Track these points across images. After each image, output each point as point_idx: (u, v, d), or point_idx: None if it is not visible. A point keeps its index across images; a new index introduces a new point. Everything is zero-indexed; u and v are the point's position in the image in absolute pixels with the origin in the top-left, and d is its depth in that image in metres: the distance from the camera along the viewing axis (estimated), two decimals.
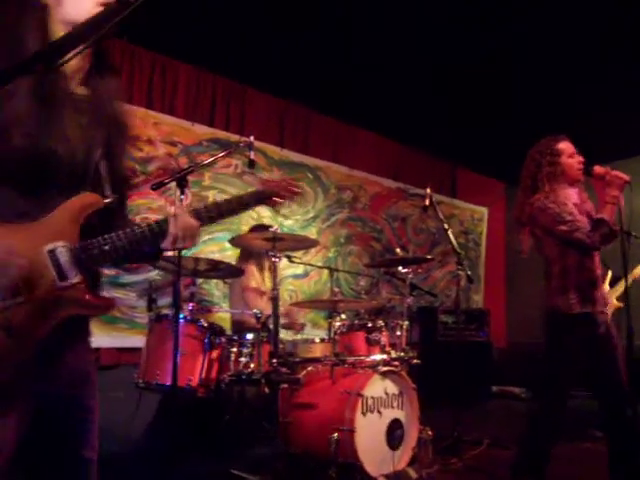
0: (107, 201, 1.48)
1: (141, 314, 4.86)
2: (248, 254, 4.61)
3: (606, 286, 3.51)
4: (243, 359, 3.62)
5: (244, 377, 3.58)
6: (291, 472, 3.45)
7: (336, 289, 4.90)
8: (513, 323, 8.84)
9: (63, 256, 1.35)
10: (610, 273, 3.58)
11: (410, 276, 4.44)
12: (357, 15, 4.87)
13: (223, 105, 5.95)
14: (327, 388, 3.60)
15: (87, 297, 1.39)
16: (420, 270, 7.58)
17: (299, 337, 4.56)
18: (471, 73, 5.68)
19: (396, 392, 3.57)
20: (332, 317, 4.05)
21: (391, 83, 5.95)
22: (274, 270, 3.49)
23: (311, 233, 6.42)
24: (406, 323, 4.18)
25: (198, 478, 3.47)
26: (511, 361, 7.94)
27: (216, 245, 5.57)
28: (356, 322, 4.13)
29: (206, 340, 3.60)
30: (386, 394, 3.51)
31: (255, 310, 3.80)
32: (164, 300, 4.76)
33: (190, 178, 3.08)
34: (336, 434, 3.22)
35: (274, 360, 3.33)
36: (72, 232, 1.38)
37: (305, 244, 4.22)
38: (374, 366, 3.65)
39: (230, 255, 5.19)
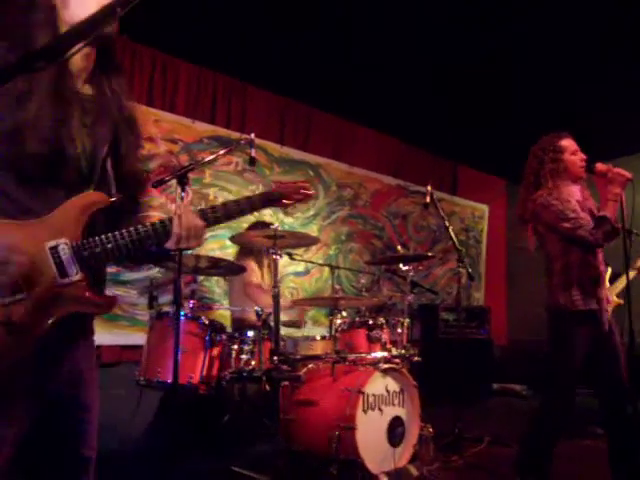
0: (113, 200, 1.48)
1: (142, 311, 4.86)
2: (248, 251, 4.61)
3: (606, 283, 3.50)
4: (244, 356, 3.62)
5: (245, 374, 3.58)
6: (292, 469, 3.45)
7: (337, 286, 4.90)
8: (514, 320, 8.83)
9: (64, 253, 1.35)
10: (610, 270, 3.57)
11: (411, 273, 4.43)
12: (357, 15, 4.86)
13: (224, 102, 5.94)
14: (328, 385, 3.60)
15: (88, 295, 1.39)
16: (421, 267, 7.58)
17: (300, 334, 4.55)
18: (471, 72, 5.68)
19: (397, 389, 3.57)
20: (333, 314, 4.05)
21: (391, 81, 5.94)
22: (275, 267, 3.49)
23: (312, 230, 6.42)
24: (407, 320, 4.18)
25: (199, 475, 3.47)
26: (512, 358, 7.95)
27: (217, 242, 5.57)
28: (357, 319, 4.13)
29: (207, 337, 3.60)
30: (387, 391, 3.51)
31: (257, 307, 3.80)
32: (165, 297, 4.76)
33: (191, 175, 3.08)
34: (337, 431, 3.22)
35: (275, 357, 3.33)
36: (75, 230, 1.38)
37: (306, 241, 4.21)
38: (375, 363, 3.64)
39: (231, 253, 5.19)
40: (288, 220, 6.29)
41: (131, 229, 1.45)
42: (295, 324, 4.84)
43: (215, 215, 1.59)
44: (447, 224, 4.53)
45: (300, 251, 5.07)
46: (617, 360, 3.09)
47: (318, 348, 3.86)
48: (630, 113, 6.29)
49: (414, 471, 3.49)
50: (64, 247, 1.36)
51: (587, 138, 3.44)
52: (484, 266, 9.09)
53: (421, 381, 3.70)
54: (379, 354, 3.84)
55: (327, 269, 6.10)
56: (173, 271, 3.82)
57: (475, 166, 8.68)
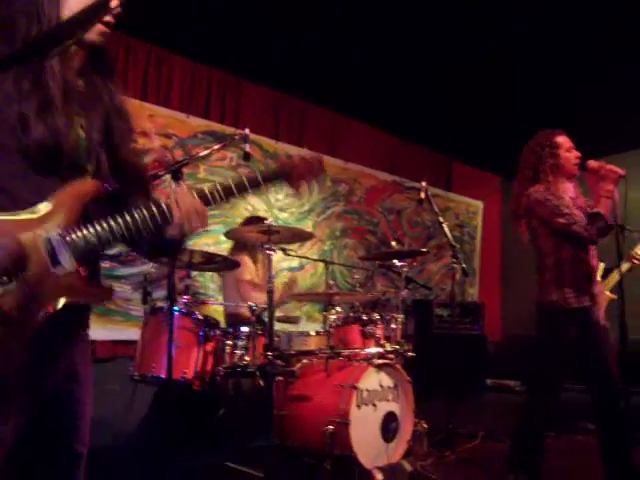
0: (107, 188, 1.46)
1: (136, 307, 4.86)
2: (242, 246, 4.60)
3: (599, 278, 3.51)
4: (238, 352, 3.62)
5: (239, 370, 3.59)
6: (286, 465, 3.46)
7: (331, 282, 4.90)
8: (508, 316, 8.86)
9: (57, 242, 1.34)
10: (602, 265, 3.58)
11: (405, 269, 4.43)
12: (354, 12, 4.86)
13: (218, 97, 5.93)
14: (322, 381, 3.60)
15: (82, 284, 1.38)
16: (415, 263, 7.60)
17: (294, 330, 4.55)
18: (469, 70, 5.70)
19: (391, 385, 3.58)
20: (327, 310, 4.05)
21: (387, 77, 5.94)
22: (269, 263, 3.48)
23: (307, 226, 6.42)
24: (401, 316, 4.19)
25: (193, 471, 3.47)
26: (506, 354, 7.98)
27: (211, 238, 5.57)
28: (351, 315, 4.13)
29: (201, 333, 3.59)
30: (381, 387, 3.51)
31: (250, 302, 3.80)
32: (159, 293, 4.75)
33: (185, 170, 3.07)
34: (331, 427, 3.22)
35: (269, 353, 3.33)
36: (68, 218, 1.37)
37: (300, 237, 4.21)
38: (369, 359, 3.65)
39: (225, 248, 5.18)
40: (283, 215, 6.30)
41: (125, 215, 1.43)
42: (290, 320, 4.84)
43: (214, 195, 1.54)
44: (441, 220, 4.54)
45: (294, 246, 5.06)
46: (609, 356, 3.10)
47: (312, 343, 3.86)
48: (625, 113, 6.30)
49: (408, 466, 3.50)
50: (56, 236, 1.34)
51: (581, 136, 3.45)
52: (478, 262, 9.11)
53: (415, 376, 3.71)
54: (373, 350, 3.84)
55: (321, 264, 6.10)
56: (167, 266, 3.82)
57: (470, 162, 8.69)
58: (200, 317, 3.65)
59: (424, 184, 4.50)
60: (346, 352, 3.79)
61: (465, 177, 8.82)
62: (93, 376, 1.54)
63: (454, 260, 4.61)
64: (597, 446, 3.11)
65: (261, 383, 3.43)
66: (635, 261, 3.58)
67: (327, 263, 5.16)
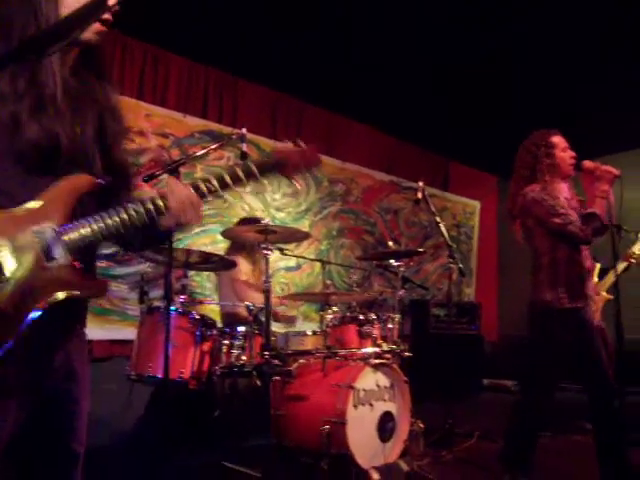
0: (100, 182, 1.45)
1: (133, 306, 4.85)
2: (239, 247, 4.60)
3: (595, 279, 3.52)
4: (235, 351, 3.62)
5: (236, 369, 3.58)
6: (283, 464, 3.46)
7: (328, 282, 4.90)
8: (505, 316, 8.88)
9: (50, 236, 1.33)
10: (598, 266, 3.59)
11: (402, 269, 4.44)
12: (354, 12, 4.86)
13: (215, 97, 5.93)
14: (319, 380, 3.60)
15: (76, 278, 1.37)
16: (412, 263, 7.60)
17: (291, 330, 4.55)
18: (466, 70, 5.71)
19: (388, 385, 3.58)
20: (324, 310, 4.06)
21: (385, 77, 5.95)
22: (265, 263, 3.48)
23: (303, 226, 6.42)
24: (398, 316, 4.18)
25: (190, 470, 3.47)
26: (502, 354, 7.99)
27: (208, 237, 5.57)
28: (348, 315, 4.13)
29: (198, 332, 3.59)
30: (378, 387, 3.52)
31: (247, 302, 3.80)
32: (156, 292, 4.75)
33: (182, 170, 3.07)
34: (328, 426, 3.23)
35: (266, 352, 3.33)
36: (61, 213, 1.36)
37: (297, 237, 4.20)
38: (366, 359, 3.65)
39: (222, 247, 5.18)
40: (279, 215, 6.30)
41: (119, 208, 1.42)
42: (287, 320, 4.83)
43: (209, 186, 1.53)
44: (438, 220, 4.54)
45: (291, 246, 5.06)
46: (603, 356, 3.11)
47: (309, 343, 3.86)
48: (628, 113, 6.31)
49: (404, 466, 3.50)
50: (49, 230, 1.33)
51: (577, 136, 3.45)
52: (475, 262, 9.12)
53: (412, 376, 3.71)
54: (370, 349, 3.84)
55: (318, 264, 6.10)
56: (164, 266, 3.81)
57: (467, 162, 8.70)
58: (197, 317, 3.64)
59: (421, 184, 4.49)
60: (343, 352, 3.80)
61: (462, 177, 8.83)
62: (90, 375, 1.54)
63: (451, 260, 4.61)
64: (593, 446, 3.12)
65: (258, 383, 3.43)
66: (632, 260, 3.59)
67: (324, 263, 5.15)
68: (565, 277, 3.15)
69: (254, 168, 1.59)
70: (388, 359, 3.73)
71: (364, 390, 3.42)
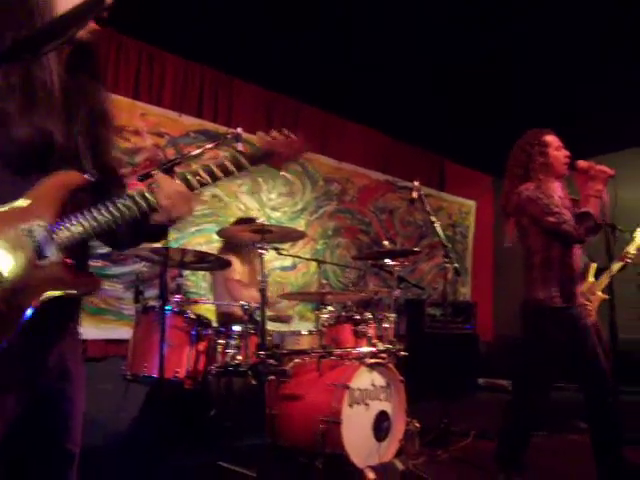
0: (89, 178, 1.43)
1: (128, 306, 4.84)
2: (231, 246, 4.59)
3: (591, 278, 3.53)
4: (230, 351, 3.62)
5: (231, 369, 3.58)
6: (278, 464, 3.46)
7: (324, 281, 4.90)
8: (500, 316, 8.88)
9: (40, 234, 1.32)
10: (595, 265, 3.60)
11: (397, 269, 4.44)
12: (350, 12, 4.86)
13: (211, 96, 5.92)
14: (314, 380, 3.60)
15: (68, 275, 1.36)
16: (407, 263, 7.60)
17: (287, 329, 4.55)
18: (465, 70, 5.72)
19: (383, 384, 3.58)
20: (319, 309, 4.06)
21: (381, 77, 5.95)
22: (261, 262, 3.48)
23: (299, 225, 6.42)
24: (393, 315, 4.19)
25: (185, 470, 3.47)
26: (498, 353, 8.00)
27: (203, 237, 5.57)
28: (343, 314, 4.13)
29: (193, 332, 3.58)
30: (373, 386, 3.52)
31: (242, 302, 3.80)
32: (151, 292, 4.74)
33: (177, 169, 3.06)
34: (323, 426, 3.23)
35: (261, 352, 3.33)
36: (51, 210, 1.35)
37: (293, 236, 4.20)
38: (361, 358, 3.65)
39: (217, 247, 5.18)
40: (275, 214, 6.30)
41: (109, 204, 1.41)
42: (282, 319, 4.83)
43: (198, 178, 1.52)
44: (434, 220, 4.54)
45: (287, 246, 5.06)
46: (598, 355, 3.11)
47: (304, 343, 3.86)
48: (629, 113, 6.32)
49: (400, 465, 3.51)
50: (40, 228, 1.32)
51: (571, 136, 3.46)
52: (471, 262, 9.13)
53: (407, 376, 3.71)
54: (365, 349, 3.84)
55: (314, 264, 6.10)
56: (159, 265, 3.81)
57: (463, 162, 8.71)
58: (192, 316, 3.64)
59: (417, 184, 4.50)
60: (338, 351, 3.80)
61: (458, 177, 8.84)
62: (85, 374, 1.53)
63: (446, 260, 4.62)
64: (589, 445, 3.13)
65: (253, 382, 3.42)
66: (628, 260, 3.60)
67: (319, 262, 5.15)
68: (558, 276, 3.16)
69: (242, 159, 1.59)
70: (383, 358, 3.73)
71: (359, 389, 3.42)
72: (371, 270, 6.93)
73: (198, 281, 5.52)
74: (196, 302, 4.84)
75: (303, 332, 3.96)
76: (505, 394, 7.03)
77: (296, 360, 3.71)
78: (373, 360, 3.60)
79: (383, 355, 3.82)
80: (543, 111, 5.99)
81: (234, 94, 6.09)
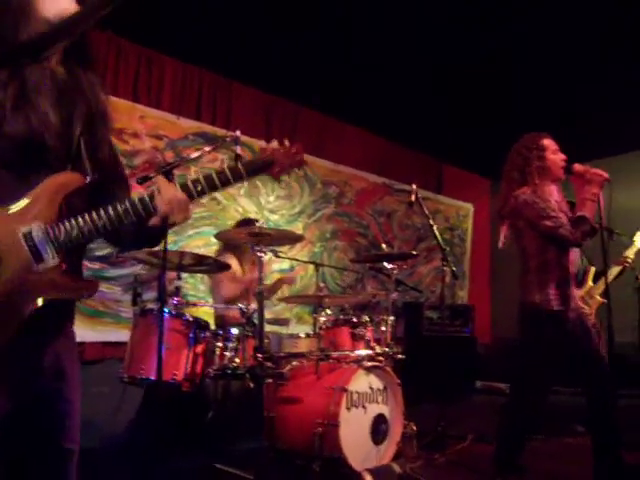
0: (87, 180, 1.43)
1: (126, 308, 4.84)
2: (231, 247, 4.59)
3: (590, 282, 3.54)
4: (228, 353, 3.62)
5: (229, 371, 3.58)
6: (275, 466, 3.46)
7: (321, 284, 4.89)
8: (498, 319, 8.89)
9: (38, 238, 1.32)
10: (593, 269, 3.61)
11: (395, 272, 4.44)
12: (350, 15, 4.86)
13: (209, 99, 5.93)
14: (312, 383, 3.60)
15: (65, 280, 1.37)
16: (405, 266, 7.60)
17: (284, 332, 4.56)
18: (463, 72, 5.71)
19: (381, 387, 3.59)
20: (317, 312, 4.06)
21: (379, 80, 5.95)
22: (259, 265, 3.48)
23: (297, 228, 6.43)
24: (391, 318, 4.19)
25: (182, 473, 3.46)
26: (496, 356, 7.99)
27: (201, 240, 5.56)
28: (341, 317, 4.14)
29: (191, 334, 3.58)
30: (371, 389, 3.52)
31: (240, 305, 3.80)
32: (149, 294, 4.74)
33: (176, 172, 3.07)
34: (320, 429, 3.23)
35: (259, 355, 3.33)
36: (49, 212, 1.35)
37: (291, 239, 4.21)
38: (359, 361, 3.66)
39: (216, 249, 5.18)
40: (273, 217, 6.30)
41: (108, 207, 1.41)
42: (279, 322, 4.83)
43: (197, 187, 1.53)
44: (432, 223, 4.55)
45: (285, 248, 5.06)
46: (594, 357, 3.12)
47: (302, 346, 3.87)
48: (629, 113, 6.33)
49: (397, 469, 3.51)
50: (38, 231, 1.32)
51: (570, 139, 3.48)
52: (468, 265, 9.14)
53: (405, 379, 3.72)
54: (363, 352, 3.85)
55: (312, 267, 6.10)
56: (157, 268, 3.81)
57: (461, 165, 8.72)
58: (190, 319, 3.64)
59: (414, 187, 4.51)
60: (336, 354, 3.80)
61: (455, 180, 8.85)
62: (80, 374, 1.53)
63: (444, 263, 4.63)
64: (586, 448, 3.14)
65: (251, 385, 3.43)
66: (627, 265, 3.62)
67: (317, 265, 5.16)
68: (554, 279, 3.17)
69: (242, 169, 1.60)
70: (381, 362, 3.74)
71: (357, 392, 3.42)
72: (369, 273, 6.93)
73: (196, 284, 5.52)
74: (194, 305, 4.85)
75: (301, 335, 3.96)
76: (502, 397, 7.04)
77: (294, 363, 3.71)
78: (371, 363, 3.60)
79: (381, 358, 3.82)
80: (542, 112, 6.01)
81: (233, 97, 6.10)
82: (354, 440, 3.31)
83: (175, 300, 3.69)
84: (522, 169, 3.33)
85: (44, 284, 1.33)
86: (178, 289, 3.80)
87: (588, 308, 3.32)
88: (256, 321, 3.51)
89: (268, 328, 3.88)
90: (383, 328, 4.11)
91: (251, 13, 4.80)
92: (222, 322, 4.43)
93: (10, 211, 1.32)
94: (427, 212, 4.63)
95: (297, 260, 5.88)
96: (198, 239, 5.55)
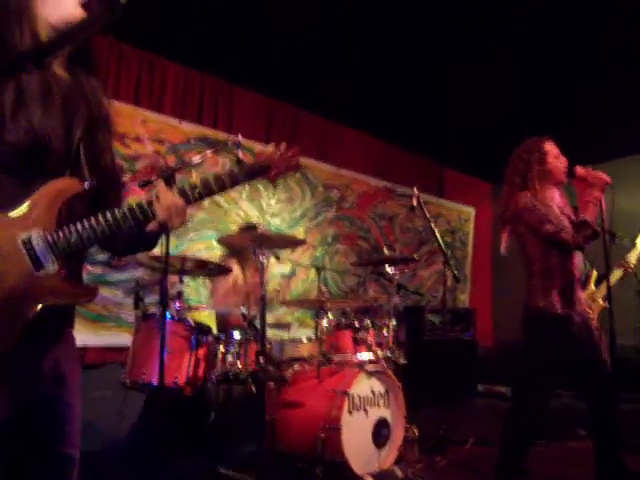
0: (86, 186, 1.43)
1: (128, 312, 4.84)
2: (233, 254, 4.60)
3: (592, 286, 3.54)
4: (230, 358, 3.62)
5: (231, 376, 3.58)
6: (277, 470, 3.46)
7: (323, 288, 4.90)
8: (499, 322, 8.88)
9: (38, 244, 1.31)
10: (595, 273, 3.61)
11: (397, 276, 4.44)
12: (350, 17, 4.87)
13: (211, 103, 5.94)
14: (314, 387, 3.61)
15: (65, 286, 1.37)
16: (407, 269, 7.60)
17: (286, 336, 4.56)
18: (464, 75, 5.70)
19: (382, 391, 3.59)
20: (319, 316, 4.06)
21: (380, 83, 5.96)
22: (262, 269, 3.49)
23: (298, 232, 6.43)
24: (393, 322, 4.19)
25: (185, 477, 3.46)
26: (497, 360, 7.98)
27: (203, 243, 5.57)
28: (343, 321, 4.14)
29: (193, 339, 3.58)
30: (372, 393, 3.53)
31: (242, 309, 3.81)
32: (151, 298, 4.74)
33: (177, 175, 3.07)
34: (322, 432, 3.23)
35: (261, 359, 3.33)
36: (48, 219, 1.34)
37: (292, 243, 4.21)
38: (360, 365, 3.66)
39: (217, 254, 5.18)
40: (275, 221, 6.30)
41: (107, 213, 1.41)
42: (281, 326, 4.83)
43: (195, 192, 1.53)
44: (433, 227, 4.55)
45: (286, 252, 5.06)
46: (596, 361, 3.12)
47: (304, 350, 3.86)
48: (630, 113, 6.32)
49: (399, 472, 3.51)
50: (37, 238, 1.31)
51: (569, 143, 3.48)
52: (470, 268, 9.13)
53: (406, 383, 3.72)
54: (364, 356, 3.85)
55: (313, 271, 6.10)
56: (159, 272, 3.81)
57: (462, 169, 8.72)
58: (192, 323, 3.64)
59: (416, 191, 4.51)
60: (338, 358, 3.80)
61: (457, 184, 8.86)
62: (81, 378, 1.53)
63: (446, 266, 4.63)
64: (588, 452, 3.13)
65: (253, 389, 3.43)
66: (629, 268, 3.62)
67: (319, 269, 5.16)
68: (558, 284, 3.17)
69: (238, 174, 1.60)
70: (383, 365, 3.74)
71: (359, 396, 3.42)
72: (370, 277, 6.93)
73: (198, 288, 5.52)
74: (196, 309, 4.85)
75: (303, 339, 3.96)
76: (504, 401, 7.04)
77: (296, 367, 3.71)
78: (372, 367, 3.60)
79: (382, 362, 3.82)
80: (544, 115, 6.01)
81: (234, 101, 6.11)
82: (356, 444, 3.31)
83: (177, 304, 3.70)
84: (523, 173, 3.33)
85: (44, 290, 1.33)
86: (180, 293, 3.81)
87: (591, 312, 3.33)
88: (258, 325, 3.51)
89: (269, 332, 3.88)
90: (385, 332, 4.11)
91: (252, 17, 4.80)
92: (224, 324, 4.43)
93: (9, 217, 1.31)
94: (429, 216, 4.63)
95: (299, 264, 5.88)
96: (199, 243, 5.55)
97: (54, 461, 1.45)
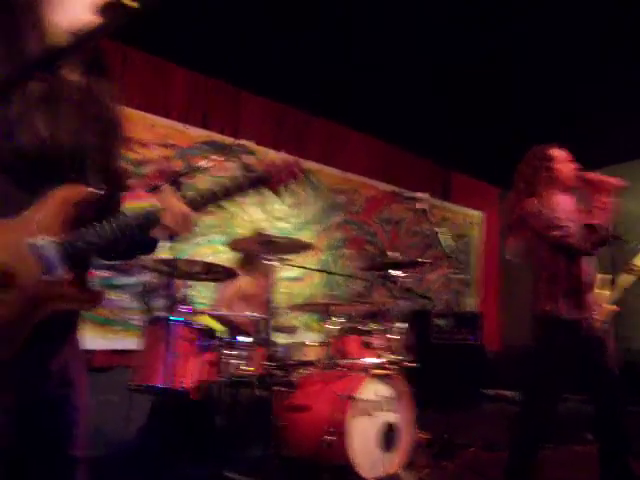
0: (94, 192, 1.42)
1: (135, 316, 4.86)
2: (244, 263, 4.60)
3: (599, 290, 3.53)
4: (237, 362, 3.62)
5: (238, 380, 3.59)
6: (284, 475, 3.46)
7: (330, 292, 4.90)
8: (507, 326, 8.85)
9: (46, 249, 1.31)
10: (602, 277, 3.59)
11: (404, 279, 4.43)
12: (353, 17, 4.88)
13: (218, 108, 5.96)
14: (320, 391, 3.60)
15: (72, 291, 1.36)
16: (414, 273, 7.58)
17: (292, 340, 4.56)
18: (468, 76, 5.69)
19: (390, 395, 3.58)
20: (326, 320, 4.06)
21: (386, 85, 5.96)
22: (269, 274, 3.49)
23: (306, 236, 6.43)
24: (401, 326, 4.18)
25: None
26: (504, 364, 7.96)
27: (210, 248, 5.58)
28: (350, 325, 4.13)
29: (200, 342, 3.59)
30: (379, 397, 3.52)
31: (248, 313, 3.82)
32: (158, 302, 4.75)
33: (185, 180, 3.09)
34: (329, 436, 3.23)
35: (268, 363, 3.34)
36: (56, 224, 1.34)
37: (300, 247, 4.22)
38: (367, 369, 3.65)
39: (225, 258, 5.19)
40: (282, 225, 6.31)
41: (112, 219, 1.41)
42: (286, 330, 4.83)
43: (201, 201, 1.54)
44: (438, 231, 4.54)
45: (294, 256, 5.06)
46: (604, 365, 3.12)
47: (311, 354, 3.87)
48: (630, 113, 6.30)
49: (406, 477, 3.50)
50: (45, 243, 1.31)
51: (578, 147, 3.47)
52: (477, 272, 9.10)
53: (413, 387, 3.71)
54: (371, 360, 3.84)
55: (320, 275, 6.10)
56: (166, 276, 3.83)
57: (469, 173, 8.71)
58: (199, 327, 3.65)
59: (423, 195, 4.50)
60: (345, 362, 3.80)
61: (463, 188, 8.84)
62: (87, 382, 1.53)
63: (453, 270, 4.62)
64: (595, 457, 3.12)
65: (259, 393, 3.43)
66: (634, 272, 3.59)
67: (326, 273, 5.16)
68: (565, 289, 3.16)
69: (242, 183, 1.63)
70: (390, 369, 3.73)
71: (365, 400, 3.42)
72: (377, 281, 6.91)
73: (205, 292, 5.53)
74: (203, 313, 4.86)
75: (309, 343, 3.96)
76: (511, 405, 7.01)
77: (302, 371, 3.71)
78: (379, 371, 3.60)
79: (389, 366, 3.82)
80: (547, 117, 5.99)
81: (241, 106, 6.13)
82: (362, 448, 3.30)
83: (184, 308, 3.71)
84: (530, 180, 3.33)
85: (51, 295, 1.32)
86: (187, 296, 3.82)
87: (597, 316, 3.31)
88: (265, 329, 3.52)
89: (275, 336, 3.88)
90: (392, 336, 4.11)
91: (259, 23, 4.82)
92: (230, 326, 4.43)
93: (17, 223, 1.31)
94: (433, 221, 4.61)
95: (306, 268, 5.88)
96: (207, 247, 5.56)
97: (60, 463, 1.45)
